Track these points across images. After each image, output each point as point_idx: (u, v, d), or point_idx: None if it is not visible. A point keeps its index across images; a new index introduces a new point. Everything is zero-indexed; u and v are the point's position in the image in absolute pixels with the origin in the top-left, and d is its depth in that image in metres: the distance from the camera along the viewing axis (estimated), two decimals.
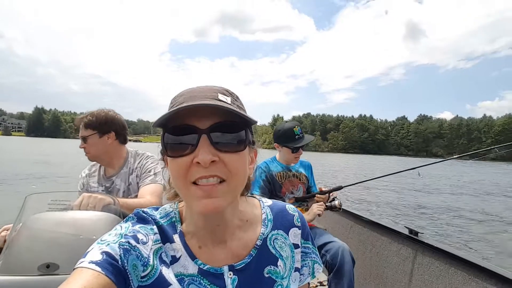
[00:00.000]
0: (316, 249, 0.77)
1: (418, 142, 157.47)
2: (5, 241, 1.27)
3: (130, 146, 2.02)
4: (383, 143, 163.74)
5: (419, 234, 2.14)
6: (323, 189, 2.39)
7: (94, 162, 1.98)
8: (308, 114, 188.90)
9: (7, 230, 1.34)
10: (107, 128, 1.85)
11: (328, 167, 34.23)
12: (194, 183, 0.56)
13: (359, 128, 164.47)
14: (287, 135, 2.33)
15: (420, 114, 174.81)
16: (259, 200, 0.76)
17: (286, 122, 2.45)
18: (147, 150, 1.99)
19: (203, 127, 0.55)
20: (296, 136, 2.33)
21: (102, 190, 1.87)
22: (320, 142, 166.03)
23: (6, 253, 1.08)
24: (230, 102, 0.59)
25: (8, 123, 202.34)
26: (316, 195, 2.36)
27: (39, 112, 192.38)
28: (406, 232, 2.22)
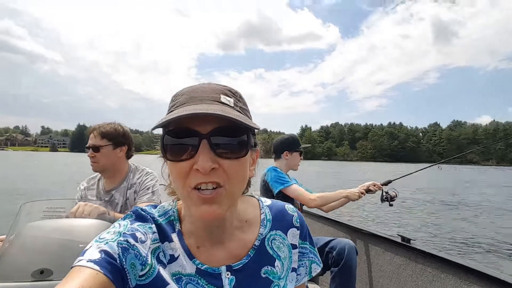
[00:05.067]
0: (316, 249, 0.77)
1: (452, 148, 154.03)
2: None
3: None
4: (414, 150, 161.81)
5: (411, 241, 2.17)
6: (376, 183, 2.59)
7: (93, 175, 2.01)
8: (336, 123, 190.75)
9: (1, 240, 1.34)
10: (123, 141, 1.88)
11: (354, 176, 33.63)
12: (194, 188, 0.55)
13: (388, 136, 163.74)
14: (295, 142, 2.63)
15: (454, 120, 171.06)
16: (258, 200, 0.76)
17: (283, 135, 2.77)
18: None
19: (203, 131, 0.54)
20: (300, 142, 2.67)
21: (101, 203, 1.77)
22: (348, 151, 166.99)
23: (0, 260, 1.09)
24: (233, 104, 0.58)
25: (55, 140, 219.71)
26: (373, 187, 2.55)
27: (81, 128, 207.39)
28: (399, 240, 2.24)
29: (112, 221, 1.34)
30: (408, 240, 2.18)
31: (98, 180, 1.99)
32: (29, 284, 1.00)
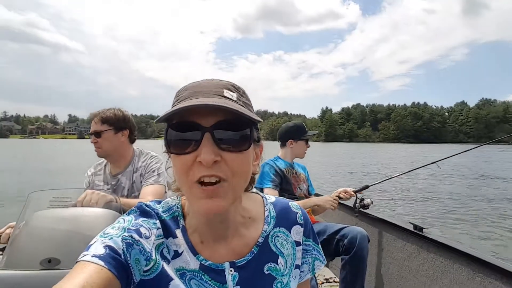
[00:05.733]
0: (319, 246, 0.78)
1: (479, 128, 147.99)
2: (9, 238, 1.32)
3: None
4: (439, 130, 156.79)
5: (423, 229, 2.15)
6: (347, 189, 2.49)
7: (100, 161, 2.05)
8: (358, 104, 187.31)
9: (11, 227, 1.40)
10: (123, 125, 1.91)
11: (375, 160, 32.18)
12: (197, 181, 0.55)
13: (412, 117, 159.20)
14: (301, 129, 2.57)
15: (482, 98, 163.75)
16: (262, 197, 0.76)
17: (288, 122, 2.74)
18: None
19: (206, 124, 0.54)
20: (306, 129, 2.59)
21: (108, 188, 1.91)
22: (370, 133, 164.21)
23: (10, 249, 1.13)
24: (235, 99, 0.59)
25: (82, 127, 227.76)
26: (343, 195, 2.45)
27: None
28: (410, 228, 2.23)
29: (119, 209, 1.40)
30: (421, 229, 2.17)
31: (105, 165, 2.03)
32: (37, 273, 1.02)
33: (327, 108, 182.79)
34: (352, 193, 2.48)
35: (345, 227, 2.18)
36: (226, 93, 0.58)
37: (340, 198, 2.43)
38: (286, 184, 2.42)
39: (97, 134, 1.85)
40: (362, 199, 2.51)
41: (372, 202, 2.49)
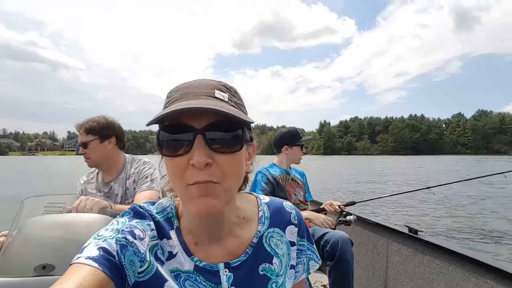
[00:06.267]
0: (314, 246, 0.78)
1: (477, 139, 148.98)
2: (1, 246, 1.28)
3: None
4: (437, 142, 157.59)
5: (418, 232, 2.14)
6: (334, 203, 2.47)
7: (92, 169, 2.01)
8: (356, 118, 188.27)
9: (4, 236, 1.34)
10: (109, 133, 1.87)
11: (374, 171, 32.11)
12: (190, 185, 0.55)
13: (409, 129, 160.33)
14: (295, 135, 2.57)
15: (479, 109, 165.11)
16: (256, 197, 0.76)
17: (282, 128, 2.72)
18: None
19: (198, 126, 0.54)
20: (300, 135, 2.60)
21: (100, 196, 1.84)
22: (369, 145, 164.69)
23: (3, 256, 1.10)
24: (227, 99, 0.59)
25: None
26: (328, 208, 2.46)
27: None
28: (406, 231, 2.23)
29: (114, 214, 1.39)
30: (416, 231, 2.18)
31: (97, 173, 2.01)
32: (31, 279, 1.01)
33: (325, 121, 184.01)
34: (337, 207, 2.47)
35: (327, 232, 2.16)
36: (218, 93, 0.58)
37: (323, 210, 2.46)
38: (279, 191, 2.42)
39: (84, 145, 1.83)
40: (345, 215, 2.46)
41: (355, 220, 2.41)
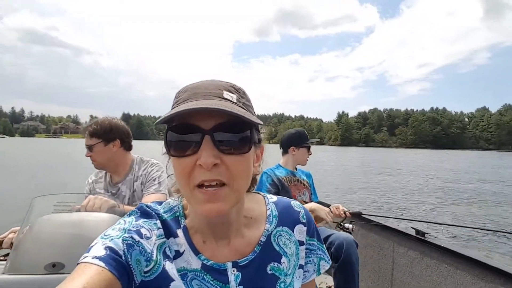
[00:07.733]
0: (324, 246, 0.77)
1: (501, 134, 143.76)
2: (12, 243, 1.32)
3: None
4: (459, 136, 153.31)
5: (426, 234, 2.12)
6: (340, 207, 2.44)
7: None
8: (375, 109, 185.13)
9: (15, 232, 1.38)
10: (112, 136, 1.86)
11: (395, 165, 30.81)
12: (197, 185, 0.55)
13: (430, 122, 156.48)
14: (302, 137, 2.56)
15: (505, 104, 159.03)
16: (264, 197, 0.76)
17: (290, 129, 2.70)
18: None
19: (206, 127, 0.54)
20: (308, 136, 2.58)
21: (108, 196, 1.76)
22: (387, 138, 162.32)
23: (14, 254, 1.12)
24: (235, 100, 0.58)
25: None
26: (334, 210, 2.41)
27: (126, 117, 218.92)
28: (413, 233, 2.20)
29: (122, 214, 1.39)
30: (423, 234, 2.17)
31: (105, 173, 2.02)
32: (41, 277, 1.02)
33: (343, 112, 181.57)
34: (342, 213, 2.46)
35: (332, 233, 2.17)
36: (226, 94, 0.58)
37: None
38: (284, 192, 2.43)
39: (89, 148, 1.85)
40: (346, 222, 2.44)
41: (353, 230, 2.39)
